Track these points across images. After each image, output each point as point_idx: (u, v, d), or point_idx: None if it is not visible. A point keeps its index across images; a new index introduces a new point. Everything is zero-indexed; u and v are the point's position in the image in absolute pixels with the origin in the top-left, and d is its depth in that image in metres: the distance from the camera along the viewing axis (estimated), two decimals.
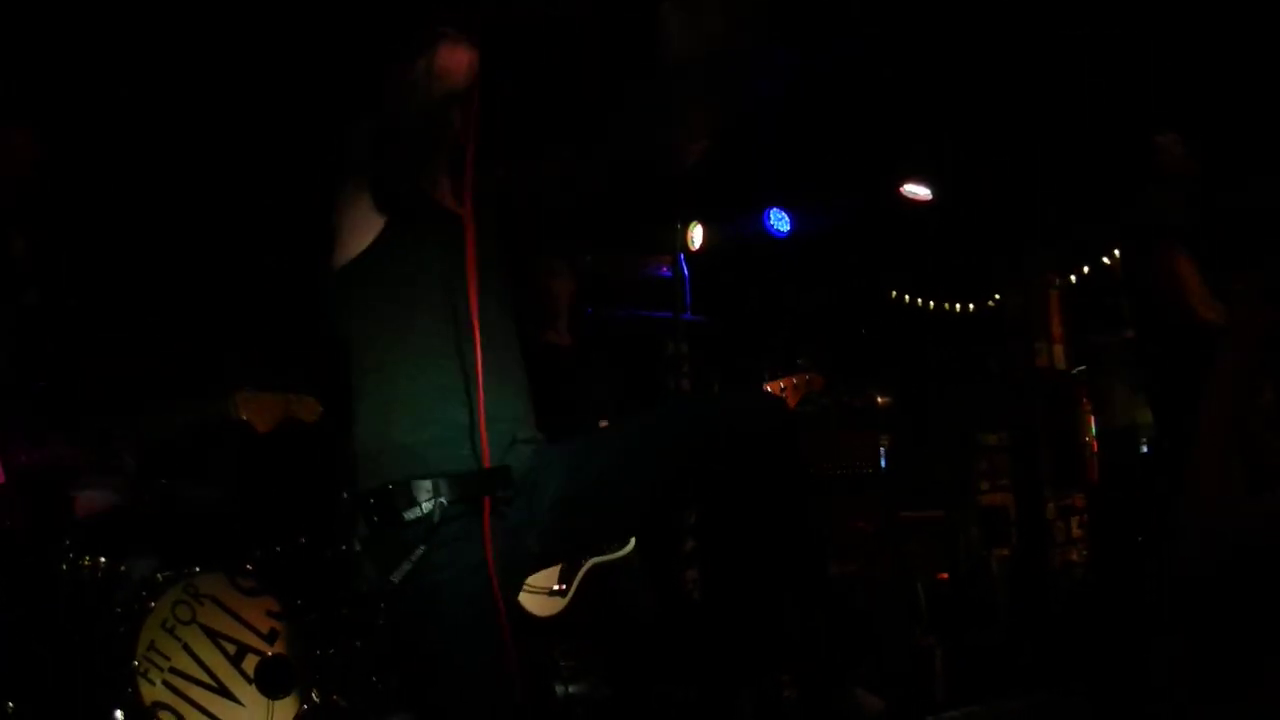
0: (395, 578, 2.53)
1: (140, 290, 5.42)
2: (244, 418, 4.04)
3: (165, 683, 4.09)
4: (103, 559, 4.34)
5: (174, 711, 4.09)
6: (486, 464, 2.54)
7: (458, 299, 2.63)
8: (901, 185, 6.93)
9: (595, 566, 4.65)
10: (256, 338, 5.44)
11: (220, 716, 4.19)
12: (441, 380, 2.63)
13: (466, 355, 2.61)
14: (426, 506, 2.52)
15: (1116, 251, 7.23)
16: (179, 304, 5.50)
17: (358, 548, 2.64)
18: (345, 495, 2.78)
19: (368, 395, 2.68)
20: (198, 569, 4.31)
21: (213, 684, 4.21)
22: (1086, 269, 7.63)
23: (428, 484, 2.54)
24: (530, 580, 4.44)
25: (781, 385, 4.30)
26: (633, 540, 4.61)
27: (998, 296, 8.24)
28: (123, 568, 4.37)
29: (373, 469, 2.63)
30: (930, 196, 6.96)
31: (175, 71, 4.95)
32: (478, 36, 2.66)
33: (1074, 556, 7.36)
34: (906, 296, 8.41)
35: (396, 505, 2.55)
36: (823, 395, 5.70)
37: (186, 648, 4.19)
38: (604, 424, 4.53)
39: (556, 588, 4.57)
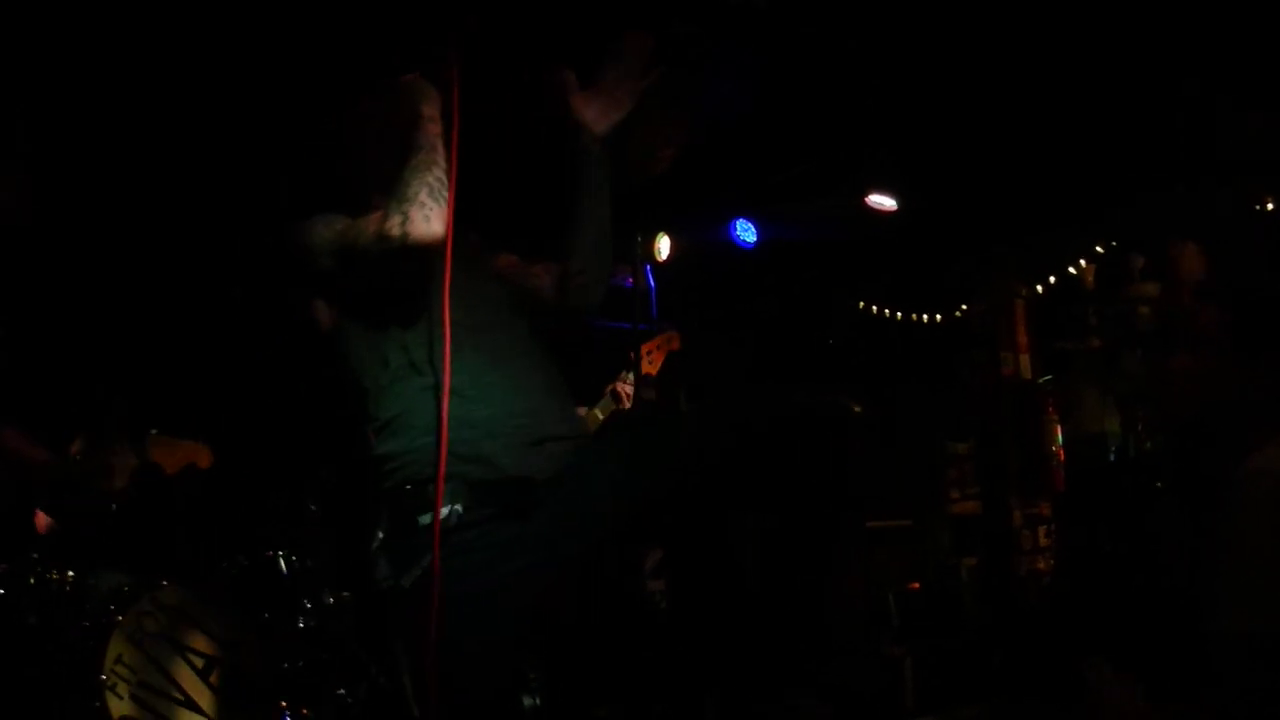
0: (405, 582, 2.53)
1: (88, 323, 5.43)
2: (154, 460, 4.10)
3: (133, 696, 4.08)
4: (70, 572, 4.34)
5: None
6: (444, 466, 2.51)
7: (433, 309, 2.63)
8: (866, 195, 6.96)
9: None
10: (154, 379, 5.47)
11: None
12: (432, 383, 2.63)
13: (440, 360, 2.61)
14: (441, 512, 2.51)
15: (1083, 261, 7.30)
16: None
17: (375, 545, 2.63)
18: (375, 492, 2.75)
19: (382, 409, 2.71)
20: (165, 582, 4.31)
21: (180, 697, 4.20)
22: (1052, 278, 7.68)
23: (445, 489, 2.52)
24: None
25: (647, 349, 4.21)
26: None
27: (964, 306, 8.28)
28: (90, 580, 4.37)
29: (392, 469, 2.64)
30: (895, 206, 6.99)
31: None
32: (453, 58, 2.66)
33: (1040, 565, 7.39)
34: (874, 307, 8.45)
35: (411, 509, 2.55)
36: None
37: (154, 661, 4.17)
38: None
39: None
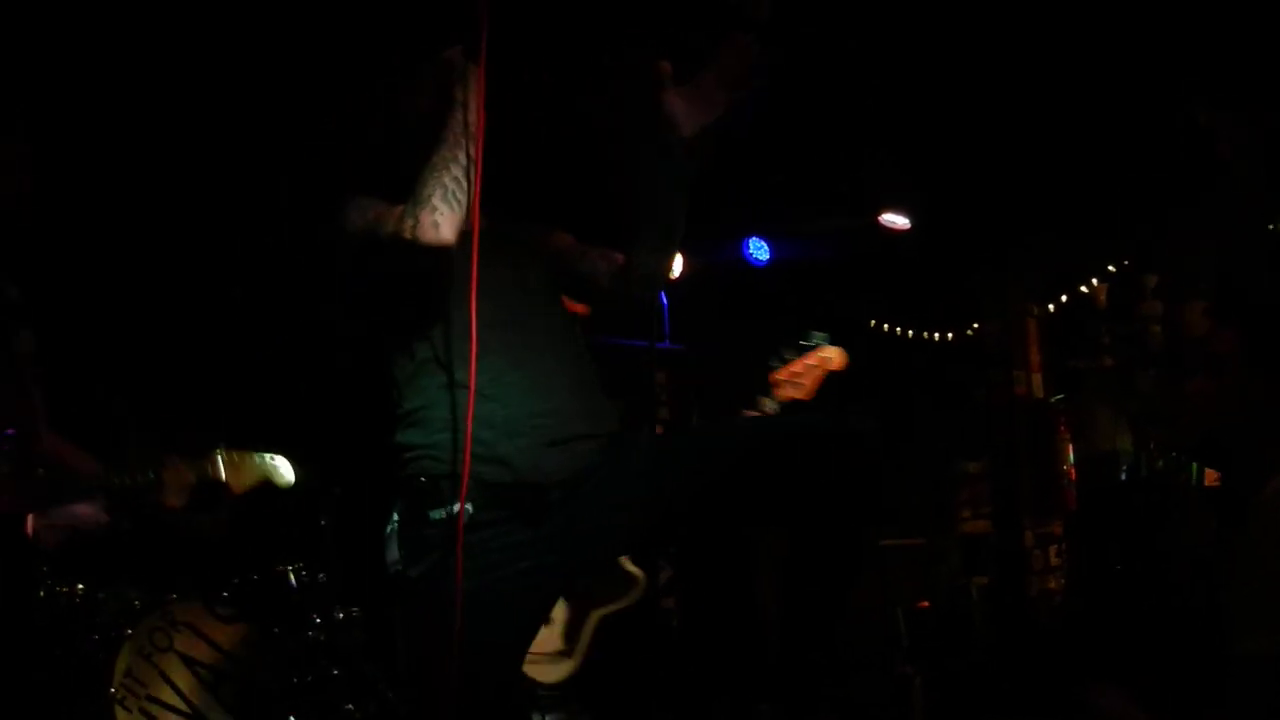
0: (413, 573, 2.54)
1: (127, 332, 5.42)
2: (221, 479, 3.97)
3: (142, 710, 4.08)
4: (80, 585, 4.33)
5: None
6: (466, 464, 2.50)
7: (457, 305, 2.61)
8: (880, 214, 6.97)
9: (603, 619, 4.43)
10: (233, 388, 5.43)
11: None
12: (453, 380, 2.62)
13: (468, 356, 2.58)
14: (454, 509, 2.51)
15: (1095, 280, 7.28)
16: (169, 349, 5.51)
17: (389, 530, 2.63)
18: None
19: (405, 399, 2.71)
20: (175, 596, 4.31)
21: (190, 712, 4.19)
22: (1065, 297, 7.67)
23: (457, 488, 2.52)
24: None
25: (797, 370, 3.93)
26: (642, 581, 4.42)
27: (976, 325, 8.27)
28: (100, 595, 4.36)
29: (409, 459, 2.64)
30: (908, 225, 6.99)
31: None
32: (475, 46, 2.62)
33: (1052, 584, 7.37)
34: (886, 325, 8.43)
35: (424, 503, 2.56)
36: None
37: (164, 675, 4.17)
38: None
39: (562, 649, 4.32)
